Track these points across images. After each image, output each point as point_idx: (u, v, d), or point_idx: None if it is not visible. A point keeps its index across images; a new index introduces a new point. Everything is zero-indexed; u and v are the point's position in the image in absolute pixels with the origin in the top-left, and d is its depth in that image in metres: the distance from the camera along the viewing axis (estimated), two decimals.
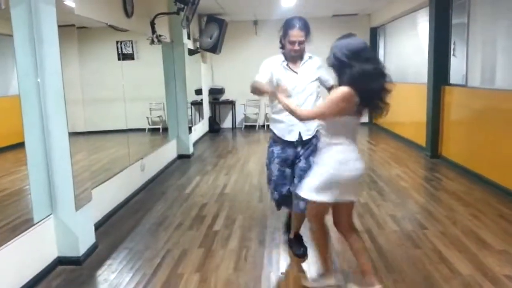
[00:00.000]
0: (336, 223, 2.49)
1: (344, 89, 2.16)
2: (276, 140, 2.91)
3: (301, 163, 2.84)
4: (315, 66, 2.86)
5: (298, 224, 3.07)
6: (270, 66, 2.82)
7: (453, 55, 5.79)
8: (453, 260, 2.91)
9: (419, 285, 2.61)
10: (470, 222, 3.62)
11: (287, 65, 2.82)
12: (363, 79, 2.13)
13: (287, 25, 2.73)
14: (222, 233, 3.55)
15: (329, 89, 2.87)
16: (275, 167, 2.91)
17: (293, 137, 2.83)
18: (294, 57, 2.80)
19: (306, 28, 2.72)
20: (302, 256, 3.05)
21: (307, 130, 2.83)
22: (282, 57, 2.84)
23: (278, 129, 2.88)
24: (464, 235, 3.33)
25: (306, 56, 2.85)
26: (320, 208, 2.41)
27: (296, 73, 2.81)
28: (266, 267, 2.90)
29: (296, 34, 2.69)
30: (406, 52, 7.95)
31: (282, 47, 2.85)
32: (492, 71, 4.93)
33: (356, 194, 2.49)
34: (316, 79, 2.84)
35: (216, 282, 2.72)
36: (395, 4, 7.62)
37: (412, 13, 7.27)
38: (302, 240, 3.14)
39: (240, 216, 3.95)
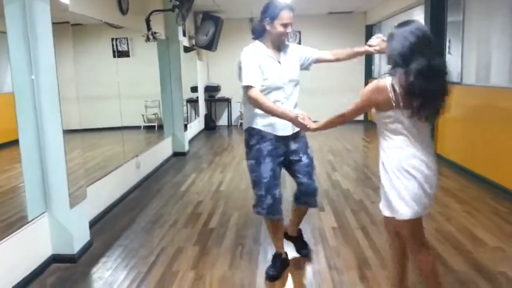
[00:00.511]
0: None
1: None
2: (265, 135, 2.59)
3: (304, 159, 2.67)
4: (295, 52, 2.68)
5: (300, 219, 2.97)
6: (256, 57, 2.52)
7: (449, 52, 5.81)
8: (448, 257, 2.92)
9: (414, 281, 2.62)
10: (465, 219, 3.64)
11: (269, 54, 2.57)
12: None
13: (275, 7, 2.49)
14: (218, 231, 3.55)
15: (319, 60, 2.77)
16: (266, 167, 2.59)
17: (287, 131, 2.59)
18: (276, 44, 2.58)
19: (293, 11, 2.53)
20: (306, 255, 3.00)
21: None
22: (261, 45, 2.58)
23: (267, 125, 2.57)
24: (458, 232, 3.35)
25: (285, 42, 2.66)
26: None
27: (279, 63, 2.58)
28: (261, 265, 2.90)
29: (288, 16, 2.48)
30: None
31: (259, 34, 2.59)
32: (487, 68, 4.95)
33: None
34: (299, 67, 2.68)
35: (211, 280, 2.72)
36: (390, 1, 7.63)
37: (408, 10, 7.28)
38: (302, 237, 3.07)
39: (235, 214, 3.95)
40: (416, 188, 1.95)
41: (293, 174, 2.74)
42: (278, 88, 2.56)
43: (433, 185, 2.00)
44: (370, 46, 2.61)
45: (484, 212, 3.78)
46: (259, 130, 2.61)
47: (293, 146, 2.66)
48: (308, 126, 2.33)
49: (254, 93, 2.43)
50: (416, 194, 1.95)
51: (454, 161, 5.46)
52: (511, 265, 2.79)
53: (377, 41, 2.58)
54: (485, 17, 4.93)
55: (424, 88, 1.83)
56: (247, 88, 2.47)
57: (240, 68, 2.54)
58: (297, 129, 2.55)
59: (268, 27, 2.52)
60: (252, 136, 2.64)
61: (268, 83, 2.52)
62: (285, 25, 2.49)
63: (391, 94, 1.89)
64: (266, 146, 2.59)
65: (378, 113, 2.01)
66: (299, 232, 3.07)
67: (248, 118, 2.66)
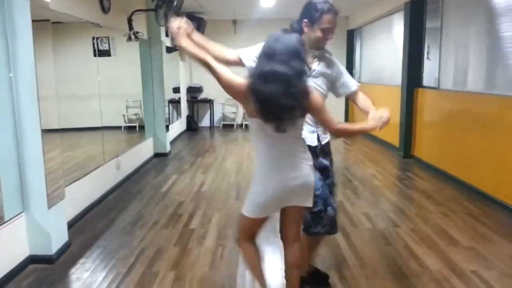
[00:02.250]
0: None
1: None
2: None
3: (330, 179, 2.39)
4: (334, 68, 2.35)
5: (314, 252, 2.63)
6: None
7: (427, 58, 5.95)
8: (423, 256, 3.00)
9: (390, 280, 2.69)
10: (440, 220, 3.74)
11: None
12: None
13: (316, 9, 2.16)
14: (198, 232, 3.56)
15: (350, 97, 2.39)
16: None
17: (312, 141, 2.31)
18: (312, 49, 2.26)
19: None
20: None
21: (323, 132, 2.36)
22: None
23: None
24: (434, 233, 3.44)
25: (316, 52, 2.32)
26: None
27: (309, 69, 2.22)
28: (241, 265, 2.92)
29: (332, 19, 2.17)
30: (382, 55, 8.12)
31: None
32: (464, 74, 5.10)
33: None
34: (328, 84, 2.33)
35: (192, 280, 2.73)
36: (371, 7, 7.77)
37: (388, 16, 7.43)
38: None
39: (216, 214, 3.96)
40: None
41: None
42: None
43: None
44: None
45: (458, 213, 3.90)
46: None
47: (323, 160, 2.34)
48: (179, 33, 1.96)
49: None
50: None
51: (430, 163, 5.60)
52: (483, 264, 2.89)
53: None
54: (463, 24, 5.08)
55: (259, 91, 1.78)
56: None
57: None
58: (325, 139, 2.36)
59: (306, 30, 2.24)
60: None
61: None
62: (326, 30, 2.19)
63: None
64: None
65: None
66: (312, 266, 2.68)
67: None
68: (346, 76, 2.40)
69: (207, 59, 1.89)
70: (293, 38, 1.86)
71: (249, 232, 2.14)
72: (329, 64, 2.34)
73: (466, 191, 4.53)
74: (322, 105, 1.95)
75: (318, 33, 2.19)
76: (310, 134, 2.30)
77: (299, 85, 1.80)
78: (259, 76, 1.80)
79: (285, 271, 2.23)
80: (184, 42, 1.93)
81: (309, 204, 2.07)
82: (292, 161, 1.96)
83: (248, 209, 2.05)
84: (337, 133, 2.01)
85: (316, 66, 2.30)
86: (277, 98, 1.75)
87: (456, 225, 3.60)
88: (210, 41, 2.23)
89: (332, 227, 2.37)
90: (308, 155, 2.05)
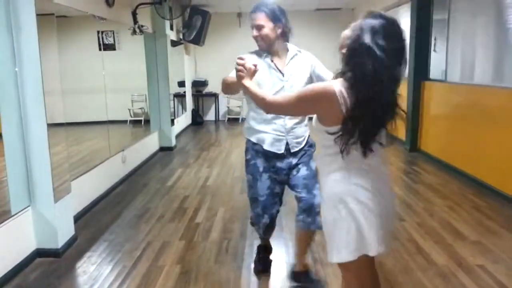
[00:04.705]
0: None
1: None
2: (258, 150, 2.37)
3: (302, 171, 2.34)
4: (305, 63, 2.35)
5: (305, 248, 2.55)
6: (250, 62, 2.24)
7: (434, 50, 5.89)
8: (429, 251, 2.99)
9: (396, 275, 2.68)
10: (446, 214, 3.71)
11: (271, 61, 2.30)
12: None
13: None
14: (204, 225, 3.56)
15: None
16: (263, 185, 2.37)
17: (278, 149, 2.33)
18: (272, 52, 2.31)
19: (269, 12, 2.25)
20: None
21: (297, 142, 2.35)
22: (264, 53, 2.33)
23: (258, 139, 2.36)
24: (440, 227, 3.42)
25: (292, 49, 2.34)
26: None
27: (282, 74, 2.29)
28: (247, 259, 2.93)
29: (253, 17, 2.29)
30: None
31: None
32: (471, 66, 5.04)
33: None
34: (306, 81, 2.31)
35: (197, 274, 2.74)
36: None
37: (395, 8, 7.35)
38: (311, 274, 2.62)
39: (221, 208, 3.97)
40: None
41: (292, 189, 2.40)
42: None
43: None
44: None
45: (464, 207, 3.87)
46: (253, 144, 2.40)
47: (294, 160, 2.36)
48: (242, 75, 1.84)
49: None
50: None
51: (437, 156, 5.56)
52: (490, 258, 2.87)
53: None
54: (470, 16, 5.01)
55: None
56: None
57: None
58: (297, 148, 2.34)
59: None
60: (248, 149, 2.45)
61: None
62: (252, 28, 2.30)
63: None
64: (262, 162, 2.37)
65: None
66: (306, 266, 2.64)
67: (245, 127, 2.48)
68: (321, 68, 2.38)
69: (265, 100, 1.70)
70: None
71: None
72: (304, 59, 2.36)
73: (472, 185, 4.49)
74: None
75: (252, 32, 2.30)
76: (271, 138, 2.32)
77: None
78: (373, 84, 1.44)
79: None
80: (249, 83, 1.83)
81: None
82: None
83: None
84: None
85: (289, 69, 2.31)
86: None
87: (463, 219, 3.57)
88: None
89: (265, 233, 2.53)
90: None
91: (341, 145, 1.49)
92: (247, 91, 1.83)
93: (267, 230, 2.51)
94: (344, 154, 1.50)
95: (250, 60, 1.90)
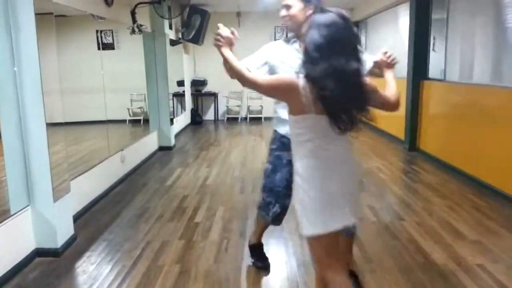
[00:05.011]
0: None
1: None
2: (285, 143, 2.27)
3: None
4: None
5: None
6: (270, 49, 2.33)
7: (433, 50, 5.89)
8: (429, 250, 2.99)
9: (396, 274, 2.68)
10: (446, 213, 3.72)
11: (300, 46, 2.20)
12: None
13: None
14: (203, 225, 3.56)
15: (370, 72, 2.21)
16: (282, 176, 2.38)
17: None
18: (295, 34, 2.26)
19: None
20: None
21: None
22: (291, 40, 2.32)
23: (287, 132, 2.19)
24: (439, 226, 3.42)
25: None
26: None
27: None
28: (246, 258, 2.92)
29: None
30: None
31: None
32: (470, 66, 5.04)
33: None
34: None
35: (197, 274, 2.73)
36: None
37: (393, 7, 7.35)
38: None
39: (221, 208, 3.96)
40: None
41: None
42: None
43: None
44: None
45: (464, 206, 3.87)
46: (282, 136, 2.39)
47: None
48: (219, 42, 1.80)
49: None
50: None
51: (436, 156, 5.56)
52: (489, 257, 2.87)
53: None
54: (469, 15, 5.02)
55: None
56: None
57: None
58: None
59: None
60: (275, 139, 2.45)
61: None
62: (282, 7, 2.23)
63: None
64: (287, 156, 2.23)
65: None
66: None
67: (275, 117, 2.46)
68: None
69: (242, 71, 1.72)
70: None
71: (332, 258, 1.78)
72: None
73: (472, 184, 4.50)
74: (374, 84, 1.74)
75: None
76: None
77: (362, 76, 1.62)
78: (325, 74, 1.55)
79: None
80: (227, 52, 1.80)
81: (350, 220, 1.73)
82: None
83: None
84: (396, 104, 1.85)
85: None
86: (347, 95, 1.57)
87: (462, 219, 3.58)
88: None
89: (275, 220, 2.53)
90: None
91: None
92: (225, 61, 1.80)
93: (277, 218, 2.52)
94: (312, 141, 1.69)
95: (227, 30, 1.83)
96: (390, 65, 2.04)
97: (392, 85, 1.95)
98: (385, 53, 2.07)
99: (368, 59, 2.18)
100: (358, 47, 1.64)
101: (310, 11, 2.15)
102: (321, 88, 1.55)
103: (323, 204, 1.69)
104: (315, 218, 1.70)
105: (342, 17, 1.62)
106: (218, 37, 1.81)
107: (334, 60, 1.55)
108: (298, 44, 2.24)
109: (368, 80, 1.70)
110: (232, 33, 1.84)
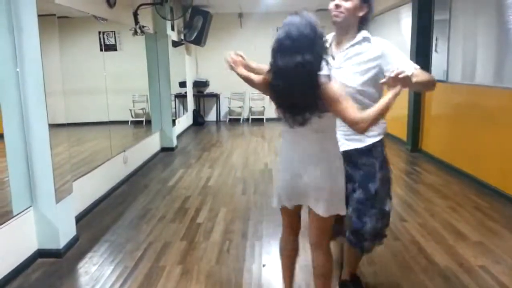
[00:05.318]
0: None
1: None
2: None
3: (358, 193, 2.07)
4: (370, 52, 1.97)
5: (353, 261, 2.49)
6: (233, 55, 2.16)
7: (435, 51, 5.88)
8: (431, 252, 2.98)
9: (398, 276, 2.68)
10: (448, 214, 3.71)
11: (330, 45, 2.00)
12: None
13: None
14: (205, 226, 3.56)
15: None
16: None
17: (342, 146, 2.03)
18: (338, 32, 2.03)
19: None
20: None
21: (346, 136, 2.03)
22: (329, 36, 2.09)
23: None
24: (442, 227, 3.42)
25: (359, 35, 1.99)
26: None
27: (333, 58, 1.98)
28: (248, 260, 2.93)
29: None
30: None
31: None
32: (473, 67, 5.03)
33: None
34: (365, 75, 1.95)
35: (198, 275, 2.74)
36: None
37: (396, 8, 7.34)
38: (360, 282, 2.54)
39: (223, 209, 3.97)
40: None
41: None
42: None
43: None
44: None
45: (466, 207, 3.86)
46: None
47: (349, 170, 2.05)
48: (234, 68, 2.07)
49: None
50: None
51: (438, 157, 5.55)
52: (491, 258, 2.86)
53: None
54: (472, 16, 5.00)
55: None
56: None
57: None
58: (347, 147, 2.05)
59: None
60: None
61: None
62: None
63: None
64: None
65: None
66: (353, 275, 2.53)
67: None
68: (397, 58, 2.02)
69: (251, 76, 2.02)
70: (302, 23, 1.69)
71: (285, 225, 2.18)
72: (371, 47, 2.00)
73: (474, 185, 4.49)
74: (337, 96, 1.68)
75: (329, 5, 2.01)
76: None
77: (307, 77, 1.68)
78: (273, 71, 1.78)
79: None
80: (243, 72, 2.06)
81: (321, 211, 1.87)
82: (308, 158, 1.86)
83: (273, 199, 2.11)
84: (360, 125, 1.66)
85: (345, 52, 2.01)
86: (286, 92, 1.74)
87: (464, 220, 3.57)
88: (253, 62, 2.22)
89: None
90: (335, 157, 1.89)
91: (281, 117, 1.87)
92: (242, 78, 2.06)
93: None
94: (286, 132, 1.93)
95: (233, 54, 2.06)
96: (397, 79, 1.70)
97: (379, 104, 1.73)
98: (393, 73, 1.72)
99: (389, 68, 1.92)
100: (317, 50, 1.67)
101: (363, 13, 1.98)
102: (271, 84, 1.78)
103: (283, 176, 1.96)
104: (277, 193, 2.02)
105: (305, 19, 1.70)
106: (230, 64, 2.05)
107: (280, 60, 1.70)
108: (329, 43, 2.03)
109: (332, 88, 1.71)
110: (239, 55, 2.06)
